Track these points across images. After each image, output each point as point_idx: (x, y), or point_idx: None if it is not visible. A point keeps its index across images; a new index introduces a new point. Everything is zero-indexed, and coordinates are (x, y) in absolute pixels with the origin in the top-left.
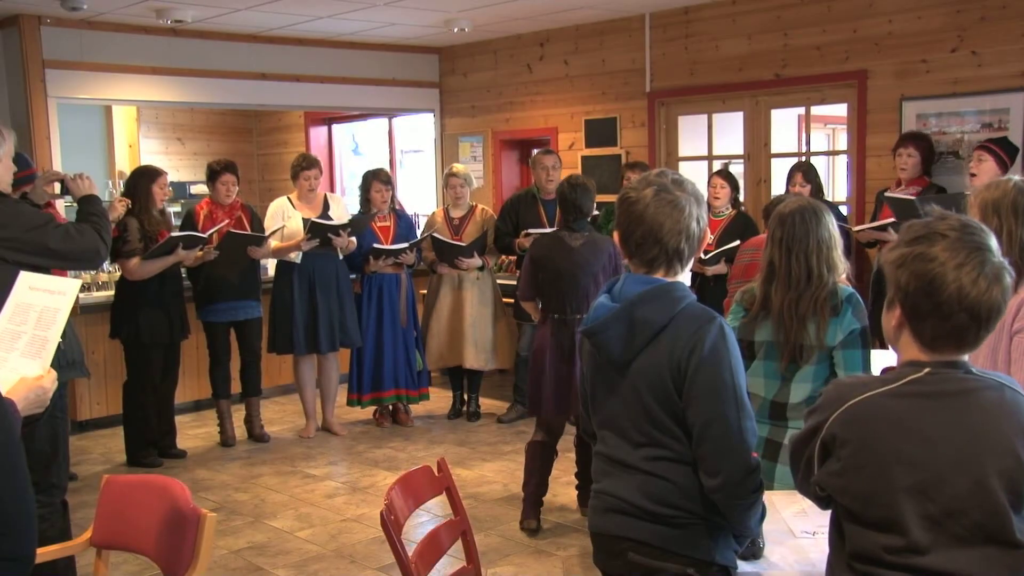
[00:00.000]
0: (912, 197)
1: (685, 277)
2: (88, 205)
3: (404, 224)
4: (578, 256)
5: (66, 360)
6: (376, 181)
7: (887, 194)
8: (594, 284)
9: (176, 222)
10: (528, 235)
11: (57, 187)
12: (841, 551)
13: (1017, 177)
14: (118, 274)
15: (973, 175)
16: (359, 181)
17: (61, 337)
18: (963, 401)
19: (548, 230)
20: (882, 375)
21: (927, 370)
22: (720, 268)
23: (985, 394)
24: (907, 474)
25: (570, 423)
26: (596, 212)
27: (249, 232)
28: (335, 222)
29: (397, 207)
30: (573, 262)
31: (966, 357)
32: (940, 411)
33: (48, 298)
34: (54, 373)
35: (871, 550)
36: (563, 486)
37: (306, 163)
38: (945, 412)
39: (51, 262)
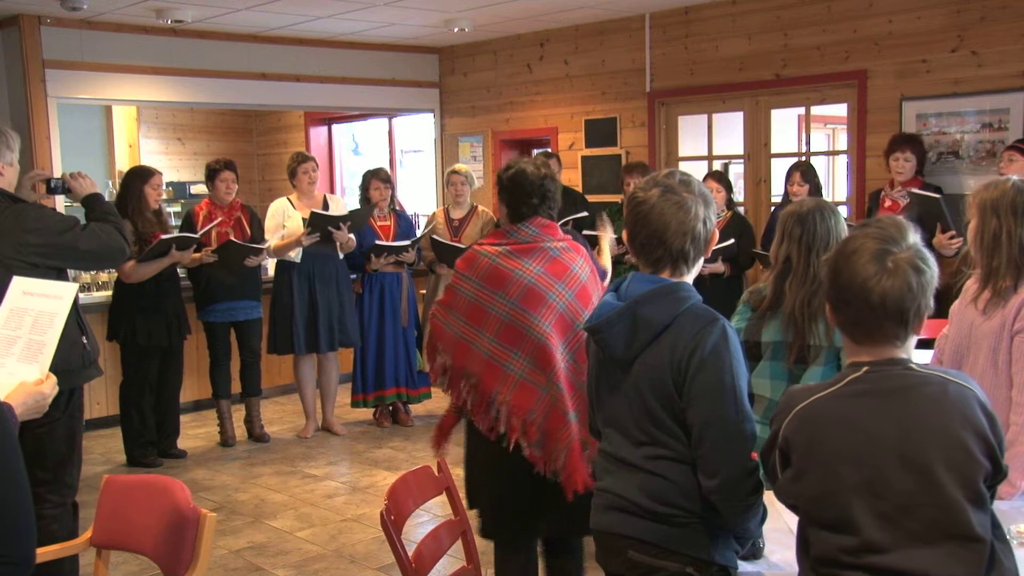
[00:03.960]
0: (937, 196)
1: (691, 278)
2: (98, 204)
3: (404, 223)
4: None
5: (88, 360)
6: (375, 179)
7: (913, 190)
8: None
9: (175, 223)
10: None
11: (43, 187)
12: (806, 557)
13: (1016, 177)
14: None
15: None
16: (359, 181)
17: (86, 338)
18: (903, 397)
19: None
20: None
21: (865, 369)
22: (717, 267)
23: (926, 389)
24: (854, 472)
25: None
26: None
27: (247, 244)
28: (335, 214)
29: (397, 207)
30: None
31: (906, 354)
32: (881, 408)
33: (44, 302)
34: (53, 378)
35: (830, 552)
36: None
37: (302, 157)
38: (886, 409)
39: (81, 264)
